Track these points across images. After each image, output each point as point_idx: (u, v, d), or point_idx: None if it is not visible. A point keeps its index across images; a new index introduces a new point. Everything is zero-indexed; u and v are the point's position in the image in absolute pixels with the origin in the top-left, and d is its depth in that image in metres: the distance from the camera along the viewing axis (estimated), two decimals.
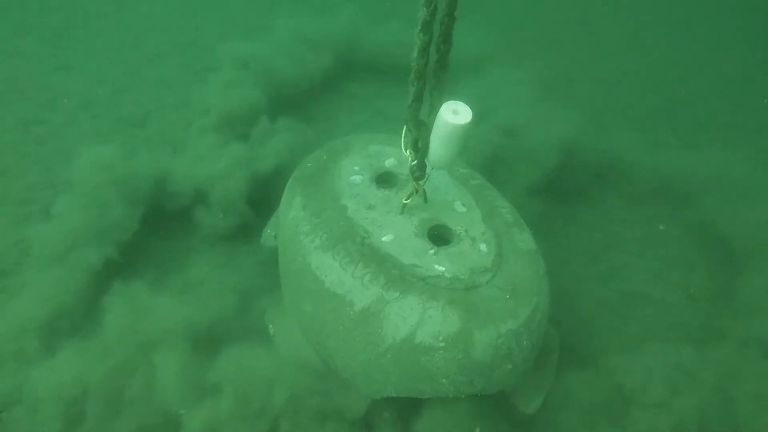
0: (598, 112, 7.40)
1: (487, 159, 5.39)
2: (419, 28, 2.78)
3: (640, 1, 12.27)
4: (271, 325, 4.00)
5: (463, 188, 3.88)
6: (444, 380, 3.18)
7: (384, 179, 3.87)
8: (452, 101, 2.97)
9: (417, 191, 3.50)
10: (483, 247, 3.44)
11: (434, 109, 3.07)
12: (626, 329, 4.81)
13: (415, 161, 3.30)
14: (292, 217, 3.72)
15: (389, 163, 3.98)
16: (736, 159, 6.21)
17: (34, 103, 6.77)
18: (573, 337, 4.51)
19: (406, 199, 3.54)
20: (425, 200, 3.61)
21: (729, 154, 6.35)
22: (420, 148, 3.22)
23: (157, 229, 5.09)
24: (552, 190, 5.82)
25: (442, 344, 3.08)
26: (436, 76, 2.99)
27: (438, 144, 3.10)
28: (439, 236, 3.55)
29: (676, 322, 4.94)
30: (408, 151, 3.30)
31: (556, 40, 10.22)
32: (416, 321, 3.11)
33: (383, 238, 3.41)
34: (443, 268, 3.27)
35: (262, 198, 5.34)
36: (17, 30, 8.27)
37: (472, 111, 2.97)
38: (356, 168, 3.89)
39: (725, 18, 11.94)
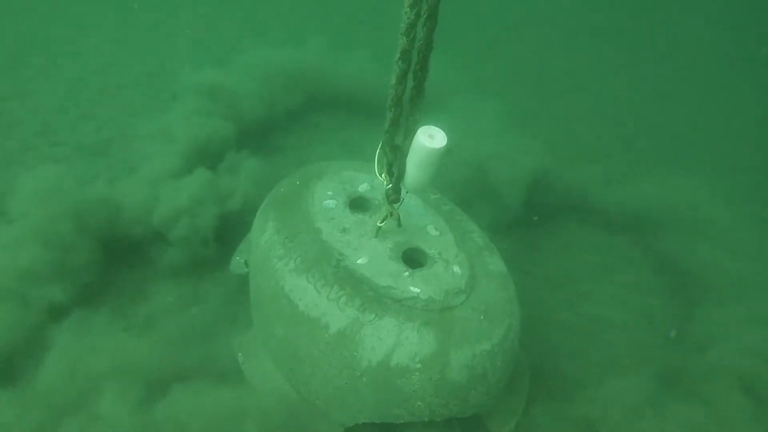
0: (558, 144, 7.71)
1: (456, 192, 5.52)
2: (398, 56, 2.89)
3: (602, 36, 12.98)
4: (240, 354, 3.90)
5: (436, 213, 3.96)
6: (420, 403, 3.16)
7: (358, 204, 3.91)
8: (428, 126, 3.09)
9: (391, 215, 3.55)
10: (456, 269, 3.50)
11: (410, 134, 3.16)
12: (591, 354, 4.93)
13: (391, 185, 3.36)
14: (266, 241, 3.69)
15: (362, 188, 4.03)
16: (690, 188, 6.58)
17: None
18: (540, 360, 4.59)
19: (381, 223, 3.58)
20: (399, 224, 3.67)
21: (683, 183, 6.71)
22: (395, 172, 3.28)
23: (116, 257, 4.91)
24: (515, 220, 6.00)
25: (419, 365, 3.08)
26: (412, 102, 3.09)
27: (414, 167, 3.17)
28: (413, 259, 3.59)
29: (637, 346, 5.10)
30: (383, 175, 3.36)
31: (517, 74, 10.71)
32: (393, 342, 3.10)
33: (358, 261, 3.42)
34: (418, 290, 3.30)
35: (226, 227, 5.29)
36: None
37: (447, 137, 3.08)
38: (330, 193, 3.92)
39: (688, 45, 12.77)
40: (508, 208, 5.94)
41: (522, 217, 6.08)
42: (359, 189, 4.02)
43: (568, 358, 4.83)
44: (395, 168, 3.29)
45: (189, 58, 8.76)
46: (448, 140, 3.06)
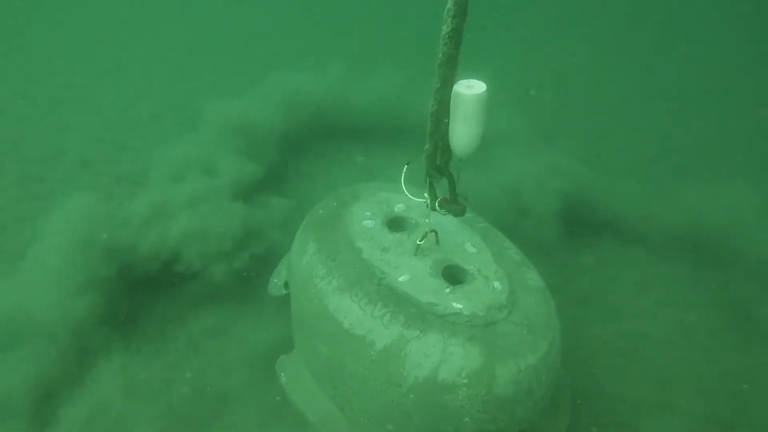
0: (590, 159, 7.64)
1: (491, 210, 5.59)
2: (438, 85, 2.98)
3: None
4: (282, 374, 3.96)
5: (471, 230, 4.03)
6: (467, 419, 3.17)
7: (395, 223, 4.00)
8: (464, 80, 2.96)
9: (431, 232, 3.62)
10: (497, 284, 3.54)
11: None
12: (629, 370, 4.88)
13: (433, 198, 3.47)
14: (307, 262, 3.79)
15: (399, 208, 4.12)
16: (729, 199, 6.45)
17: (33, 162, 6.83)
18: (579, 377, 4.56)
19: (420, 241, 3.66)
20: (437, 242, 3.74)
21: (723, 194, 6.57)
22: (447, 175, 3.32)
23: (159, 283, 5.07)
24: (549, 237, 6.02)
25: (465, 380, 3.11)
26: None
27: (459, 124, 3.01)
28: (453, 276, 3.64)
29: (676, 362, 5.03)
30: (426, 195, 3.43)
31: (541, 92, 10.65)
32: (438, 358, 3.14)
33: (400, 279, 3.49)
34: (461, 306, 3.35)
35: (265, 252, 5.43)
36: (20, 93, 8.46)
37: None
38: (368, 213, 4.02)
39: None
40: (543, 225, 5.97)
41: (556, 234, 6.09)
42: (395, 209, 4.12)
43: (606, 375, 4.80)
44: (447, 176, 3.31)
45: (216, 88, 9.05)
46: (486, 88, 2.93)
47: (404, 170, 3.60)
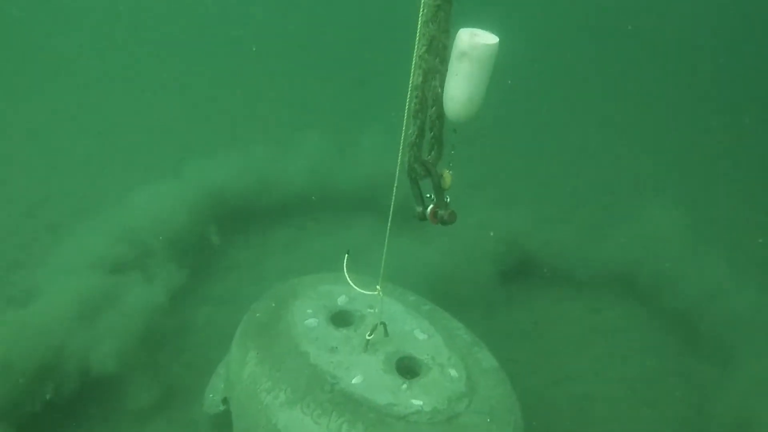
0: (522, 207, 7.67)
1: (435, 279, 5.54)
2: (425, 48, 2.46)
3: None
4: None
5: (418, 315, 3.93)
6: None
7: (340, 318, 3.82)
8: (467, 28, 2.37)
9: (379, 324, 3.47)
10: (453, 372, 3.42)
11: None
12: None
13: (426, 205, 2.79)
14: (249, 374, 3.47)
15: (342, 300, 3.96)
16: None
17: None
18: None
19: (369, 335, 3.49)
20: (386, 333, 3.59)
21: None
22: (433, 177, 2.73)
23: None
24: (489, 300, 6.06)
25: None
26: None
27: (461, 80, 2.38)
28: (407, 368, 3.49)
29: (626, 422, 5.09)
30: (418, 208, 2.83)
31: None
32: None
33: (353, 381, 3.27)
34: (420, 402, 3.17)
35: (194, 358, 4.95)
36: None
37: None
38: (309, 311, 3.81)
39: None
40: (481, 288, 6.01)
41: (495, 295, 6.14)
42: (338, 302, 3.94)
43: None
44: (433, 176, 2.70)
45: (124, 184, 8.15)
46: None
47: (345, 259, 3.48)
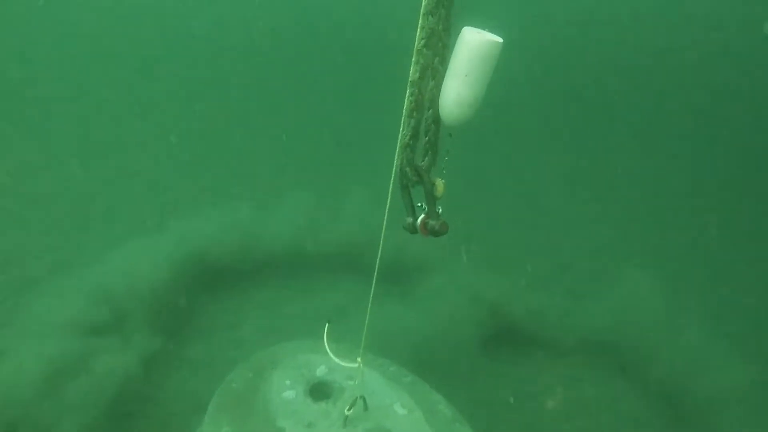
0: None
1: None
2: (423, 42, 2.36)
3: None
4: None
5: (398, 387, 3.86)
6: None
7: (318, 390, 3.73)
8: (470, 27, 2.30)
9: (360, 398, 3.39)
10: None
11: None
12: None
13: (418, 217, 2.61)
14: None
15: (320, 371, 3.87)
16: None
17: None
18: None
19: (348, 411, 3.40)
20: (366, 407, 3.50)
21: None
22: (426, 184, 2.55)
23: None
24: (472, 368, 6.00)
25: None
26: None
27: (459, 80, 2.28)
28: None
29: None
30: (408, 219, 2.64)
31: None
32: None
33: None
34: None
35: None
36: None
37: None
38: (287, 382, 3.72)
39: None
40: (465, 353, 5.95)
41: (478, 364, 6.08)
42: (317, 373, 3.86)
43: None
44: (425, 182, 2.54)
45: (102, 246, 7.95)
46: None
47: (326, 328, 3.44)
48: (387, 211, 2.73)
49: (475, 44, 2.22)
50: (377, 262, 2.97)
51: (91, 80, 14.32)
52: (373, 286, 3.14)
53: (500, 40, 2.25)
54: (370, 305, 3.18)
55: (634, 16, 23.87)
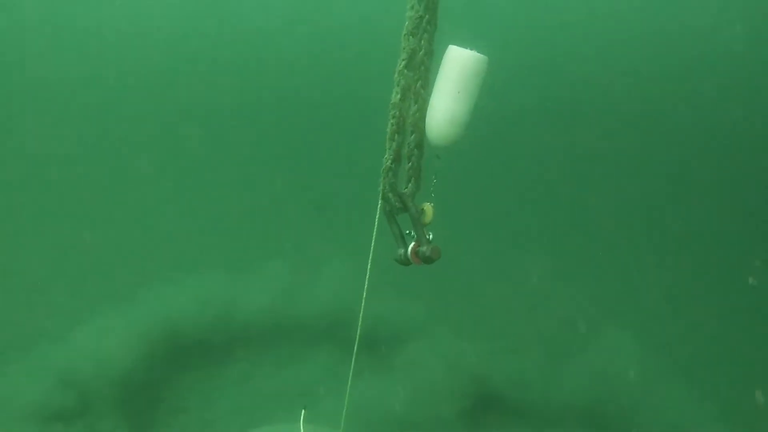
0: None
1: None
2: (402, 65, 2.36)
3: None
4: None
5: None
6: None
7: None
8: (456, 46, 2.31)
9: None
10: None
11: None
12: None
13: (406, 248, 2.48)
14: None
15: None
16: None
17: None
18: None
19: None
20: None
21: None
22: (411, 210, 2.47)
23: None
24: None
25: None
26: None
27: (445, 98, 2.28)
28: None
29: None
30: (399, 251, 2.51)
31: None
32: None
33: None
34: None
35: None
36: None
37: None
38: None
39: None
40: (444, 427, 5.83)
41: None
42: None
43: None
44: (411, 210, 2.46)
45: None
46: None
47: (302, 415, 3.36)
48: (367, 280, 2.63)
49: (465, 59, 2.22)
50: (356, 340, 2.92)
51: (51, 151, 14.11)
52: (351, 366, 3.09)
53: (485, 57, 2.25)
54: (348, 387, 3.11)
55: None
